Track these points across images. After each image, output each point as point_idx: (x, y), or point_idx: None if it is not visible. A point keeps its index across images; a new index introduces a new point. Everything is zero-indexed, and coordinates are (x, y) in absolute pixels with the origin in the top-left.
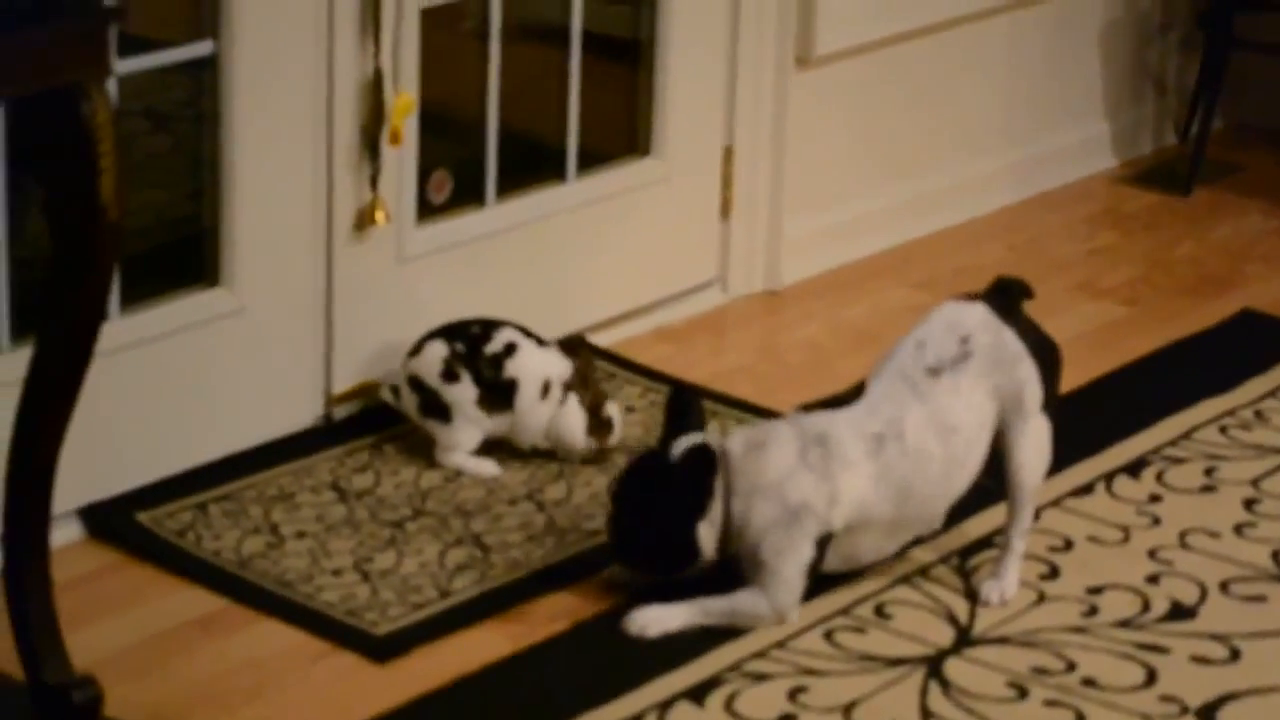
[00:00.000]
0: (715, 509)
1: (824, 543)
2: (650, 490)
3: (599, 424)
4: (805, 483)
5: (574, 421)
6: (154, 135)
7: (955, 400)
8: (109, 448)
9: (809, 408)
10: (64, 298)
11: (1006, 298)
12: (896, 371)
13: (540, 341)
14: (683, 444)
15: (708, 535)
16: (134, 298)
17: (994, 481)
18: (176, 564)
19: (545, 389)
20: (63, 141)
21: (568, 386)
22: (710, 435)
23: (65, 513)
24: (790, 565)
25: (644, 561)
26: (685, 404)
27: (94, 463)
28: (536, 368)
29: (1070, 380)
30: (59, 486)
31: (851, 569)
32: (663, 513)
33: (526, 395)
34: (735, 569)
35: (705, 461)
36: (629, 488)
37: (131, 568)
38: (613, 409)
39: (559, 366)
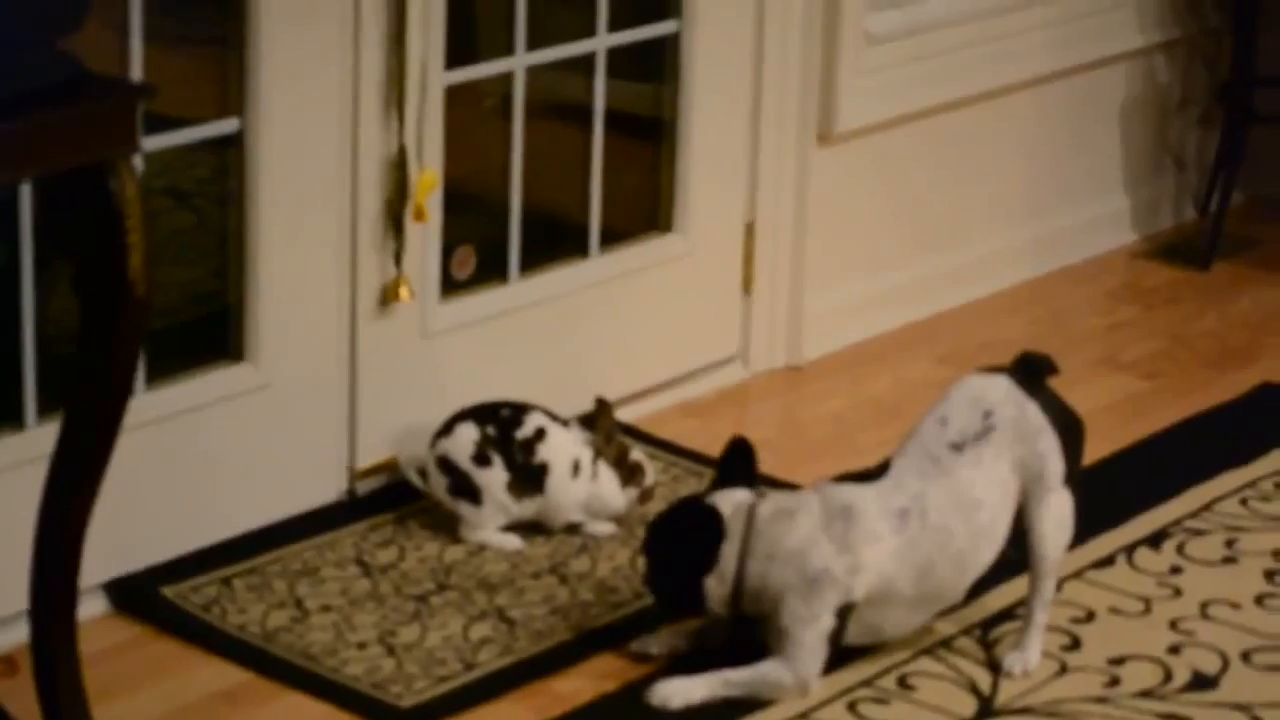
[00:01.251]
0: (727, 566)
1: (845, 613)
2: (665, 538)
3: (630, 473)
4: (826, 552)
5: (609, 486)
6: (176, 212)
7: (978, 475)
8: (134, 522)
9: (839, 480)
10: (92, 372)
11: (1030, 372)
12: (920, 447)
13: (564, 422)
14: (717, 497)
15: (715, 590)
16: (159, 373)
17: (1016, 553)
18: (202, 638)
19: (576, 468)
20: (91, 218)
21: (595, 457)
22: (747, 494)
23: (91, 587)
24: (810, 633)
25: (659, 601)
26: (738, 456)
27: (119, 537)
28: (566, 449)
29: (1092, 453)
30: (85, 560)
31: (876, 642)
32: (672, 562)
33: (558, 478)
34: (757, 636)
35: (710, 522)
36: (653, 531)
37: (157, 642)
38: (638, 454)
39: (584, 443)
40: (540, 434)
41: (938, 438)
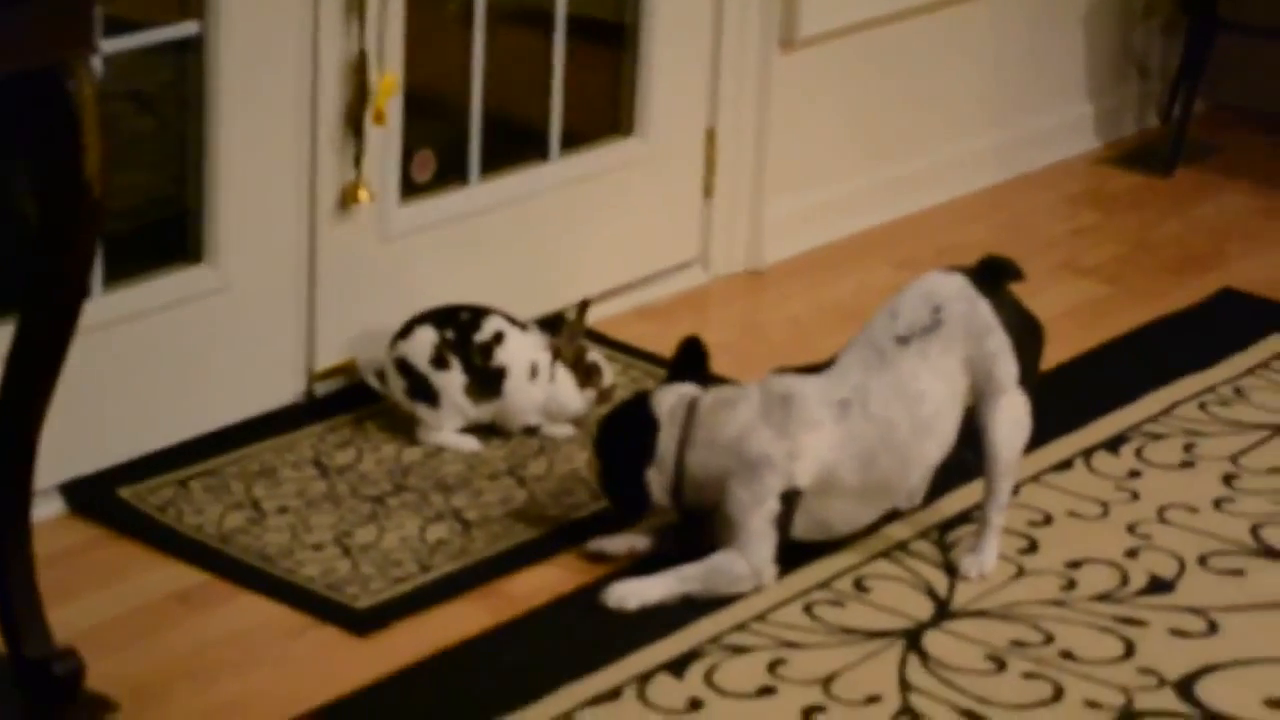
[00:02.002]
0: (666, 456)
1: (790, 500)
2: (607, 434)
3: (587, 374)
4: (765, 437)
5: (567, 388)
6: (139, 117)
7: (923, 368)
8: (91, 424)
9: (783, 371)
10: (47, 274)
11: (991, 273)
12: (868, 340)
13: (523, 326)
14: (659, 391)
15: (656, 481)
16: (118, 277)
17: (972, 456)
18: (158, 539)
19: (534, 371)
20: (47, 119)
21: (554, 360)
22: (693, 388)
23: (47, 488)
24: (756, 518)
25: (609, 499)
26: (690, 355)
27: (76, 438)
28: (524, 353)
29: (1052, 357)
30: (41, 462)
31: (827, 538)
32: (614, 456)
33: (516, 381)
34: (707, 534)
35: (644, 410)
36: (601, 430)
37: (113, 543)
38: (596, 355)
39: (542, 347)
40: (498, 337)
41: (885, 330)
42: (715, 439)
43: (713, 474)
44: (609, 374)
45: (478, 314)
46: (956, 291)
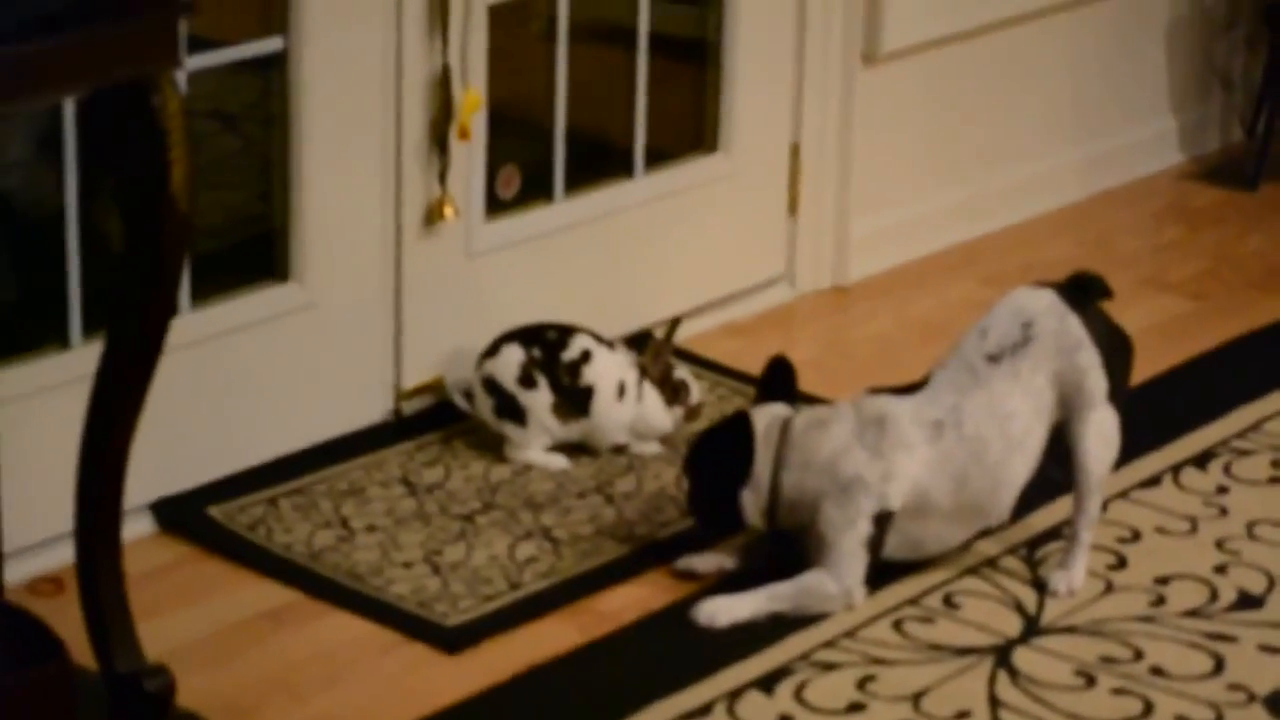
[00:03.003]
0: (761, 477)
1: (882, 521)
2: (701, 454)
3: (674, 392)
4: (859, 459)
5: (654, 407)
6: (223, 136)
7: (1014, 386)
8: (181, 442)
9: (876, 391)
10: (135, 290)
11: (1081, 290)
12: (959, 359)
13: (610, 344)
14: (754, 411)
15: (751, 502)
16: (206, 295)
17: (1061, 473)
18: (248, 557)
19: (621, 390)
20: (134, 134)
21: (640, 378)
22: (785, 408)
23: (138, 507)
24: (848, 540)
25: (700, 519)
26: (778, 374)
27: (166, 457)
28: (612, 372)
29: (1138, 374)
30: (131, 480)
31: (918, 558)
32: (708, 476)
33: (604, 400)
34: (799, 552)
35: (743, 430)
36: (694, 449)
37: (203, 561)
38: (683, 373)
39: (629, 365)
40: (586, 356)
41: (977, 349)
42: (809, 460)
43: (807, 495)
44: (696, 392)
45: (565, 332)
46: (1046, 307)
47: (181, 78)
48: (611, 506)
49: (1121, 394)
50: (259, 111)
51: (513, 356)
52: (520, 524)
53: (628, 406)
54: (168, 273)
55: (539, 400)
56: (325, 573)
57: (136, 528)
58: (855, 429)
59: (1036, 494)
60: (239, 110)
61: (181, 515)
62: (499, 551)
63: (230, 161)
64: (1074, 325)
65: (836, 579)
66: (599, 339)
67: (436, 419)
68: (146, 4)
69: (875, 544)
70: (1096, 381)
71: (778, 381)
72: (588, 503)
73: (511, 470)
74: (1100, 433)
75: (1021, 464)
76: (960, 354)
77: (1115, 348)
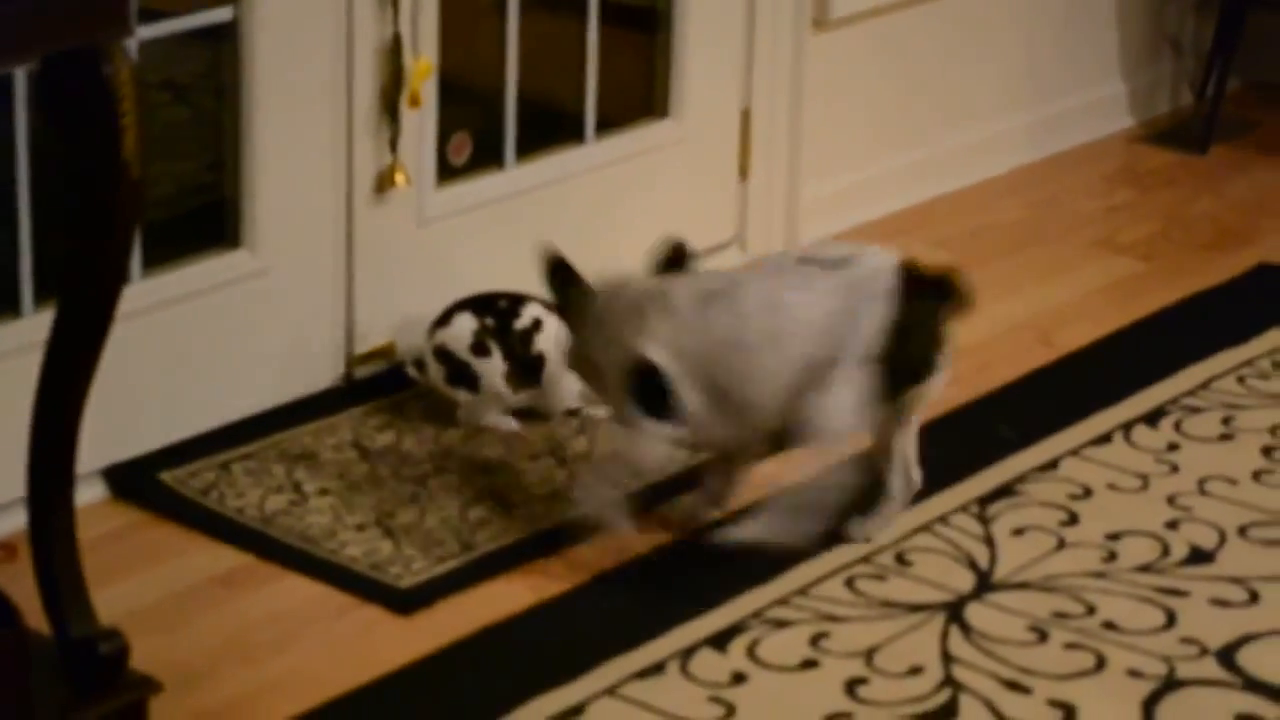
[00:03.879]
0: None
1: (643, 373)
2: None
3: None
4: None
5: None
6: (174, 106)
7: (802, 291)
8: (133, 408)
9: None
10: (86, 258)
11: (931, 286)
12: (782, 255)
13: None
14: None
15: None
16: (157, 261)
17: (1009, 431)
18: (200, 522)
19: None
20: (85, 102)
21: None
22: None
23: (90, 472)
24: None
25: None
26: (561, 269)
27: (118, 423)
28: (561, 339)
29: (1089, 334)
30: (84, 447)
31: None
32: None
33: (555, 367)
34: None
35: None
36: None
37: (156, 526)
38: None
39: None
40: (537, 325)
41: (797, 252)
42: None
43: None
44: None
45: (516, 301)
46: (880, 261)
47: (133, 47)
48: (563, 469)
49: (877, 361)
50: (210, 81)
51: (465, 325)
52: (472, 486)
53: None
54: (119, 240)
55: (492, 368)
56: (278, 536)
57: (89, 493)
58: (637, 302)
59: (992, 451)
60: (190, 81)
61: (134, 481)
62: (451, 514)
63: (181, 131)
64: (883, 284)
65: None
66: (549, 306)
67: (388, 384)
68: None
69: (641, 396)
70: (859, 339)
71: (564, 274)
72: (540, 465)
73: (463, 434)
74: (835, 391)
75: (775, 363)
76: (786, 253)
77: (906, 329)
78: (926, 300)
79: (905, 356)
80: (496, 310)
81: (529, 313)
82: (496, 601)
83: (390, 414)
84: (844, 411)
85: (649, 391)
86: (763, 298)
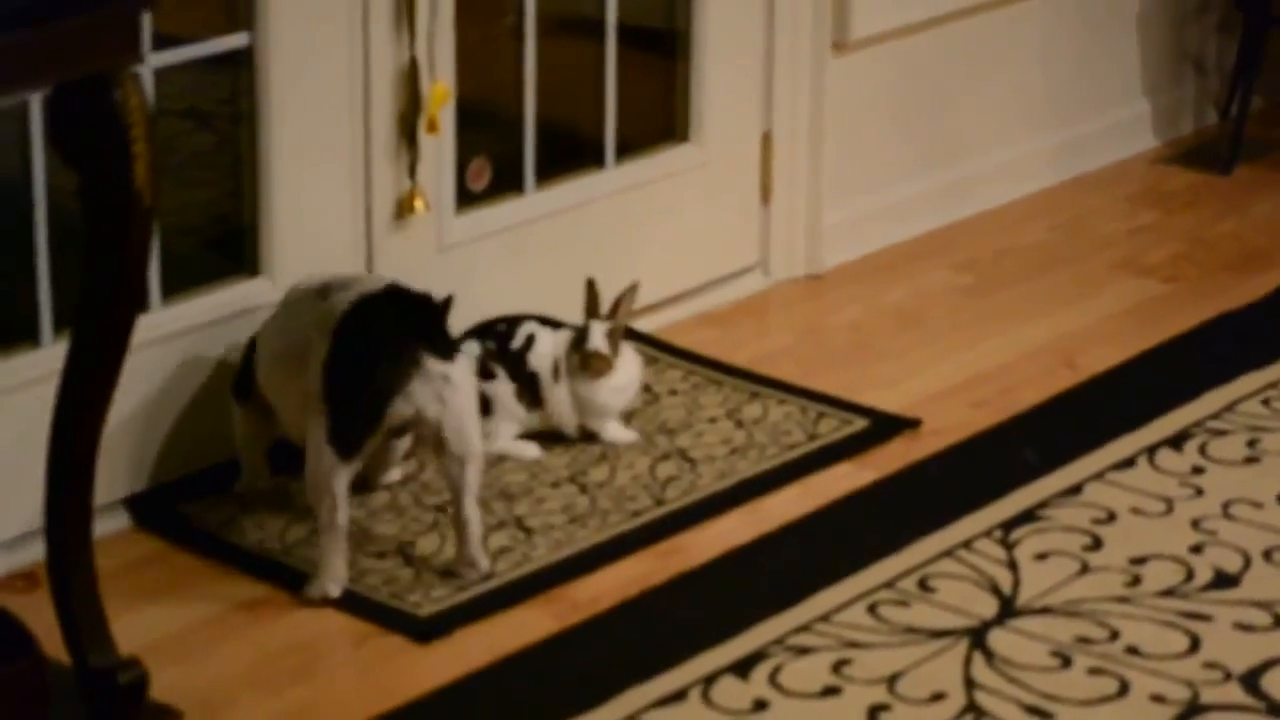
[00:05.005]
0: None
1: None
2: None
3: (583, 361)
4: None
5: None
6: (197, 134)
7: (288, 316)
8: (155, 438)
9: None
10: (100, 286)
11: (412, 315)
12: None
13: (556, 325)
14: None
15: None
16: (178, 291)
17: (1033, 455)
18: (221, 552)
19: (555, 371)
20: (96, 129)
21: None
22: None
23: (111, 502)
24: None
25: None
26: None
27: (140, 452)
28: (547, 354)
29: (1113, 357)
30: (105, 476)
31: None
32: None
33: (546, 383)
34: None
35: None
36: None
37: (177, 556)
38: (595, 337)
39: (563, 344)
40: (529, 342)
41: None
42: None
43: None
44: (624, 361)
45: (512, 323)
46: (348, 295)
47: (147, 74)
48: (585, 495)
49: (332, 411)
50: (231, 109)
51: (469, 352)
52: (493, 514)
53: (563, 385)
54: (132, 267)
55: (501, 390)
56: (298, 566)
57: (111, 523)
58: None
59: (1017, 474)
60: (213, 108)
61: (155, 511)
62: None
63: (204, 159)
64: (333, 320)
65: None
66: (545, 321)
67: None
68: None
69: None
70: (311, 378)
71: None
72: (561, 492)
73: (485, 462)
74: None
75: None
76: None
77: (352, 368)
78: (391, 338)
79: (350, 398)
80: (495, 333)
81: (522, 332)
82: (517, 630)
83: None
84: (311, 453)
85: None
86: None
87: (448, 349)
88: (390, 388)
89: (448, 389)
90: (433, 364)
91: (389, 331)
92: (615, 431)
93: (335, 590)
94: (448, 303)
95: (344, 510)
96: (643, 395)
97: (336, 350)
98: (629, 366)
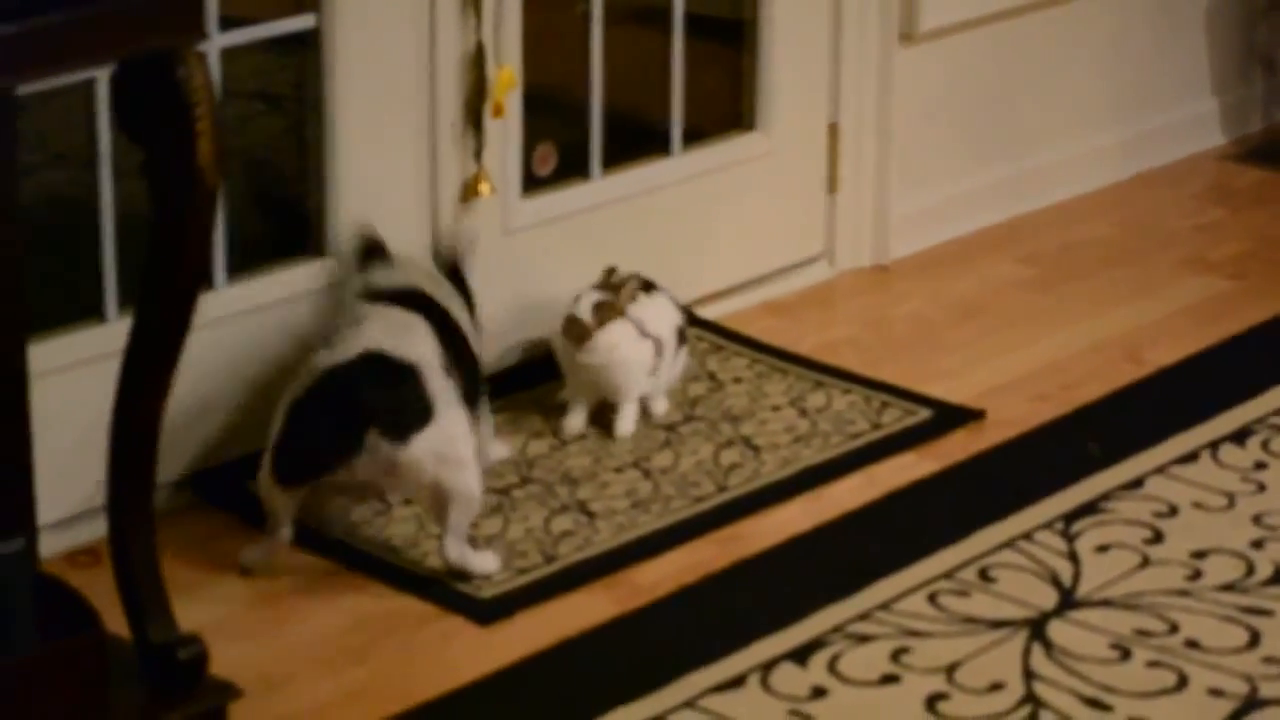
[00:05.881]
0: None
1: None
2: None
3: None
4: None
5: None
6: (269, 116)
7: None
8: (220, 415)
9: None
10: (164, 264)
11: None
12: None
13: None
14: None
15: None
16: (243, 270)
17: (1096, 448)
18: None
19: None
20: (160, 107)
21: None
22: None
23: (176, 478)
24: None
25: None
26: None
27: (205, 429)
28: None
29: (1177, 352)
30: (170, 453)
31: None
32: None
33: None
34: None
35: None
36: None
37: (241, 533)
38: (582, 304)
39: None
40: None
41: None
42: None
43: None
44: (610, 338)
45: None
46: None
47: (214, 55)
48: (648, 480)
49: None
50: (300, 93)
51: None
52: (556, 498)
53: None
54: (195, 245)
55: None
56: (361, 545)
57: (174, 501)
58: None
59: (1075, 467)
60: (284, 91)
61: (220, 488)
62: (535, 525)
63: (274, 142)
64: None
65: None
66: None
67: None
68: None
69: None
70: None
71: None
72: (624, 477)
73: (549, 445)
74: None
75: None
76: None
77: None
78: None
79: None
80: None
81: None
82: (578, 613)
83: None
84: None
85: None
86: None
87: (408, 425)
88: (330, 463)
89: (397, 469)
90: (383, 445)
91: (342, 411)
92: (622, 424)
93: (251, 558)
94: (413, 370)
95: (285, 527)
96: (707, 382)
97: (289, 424)
98: (620, 346)
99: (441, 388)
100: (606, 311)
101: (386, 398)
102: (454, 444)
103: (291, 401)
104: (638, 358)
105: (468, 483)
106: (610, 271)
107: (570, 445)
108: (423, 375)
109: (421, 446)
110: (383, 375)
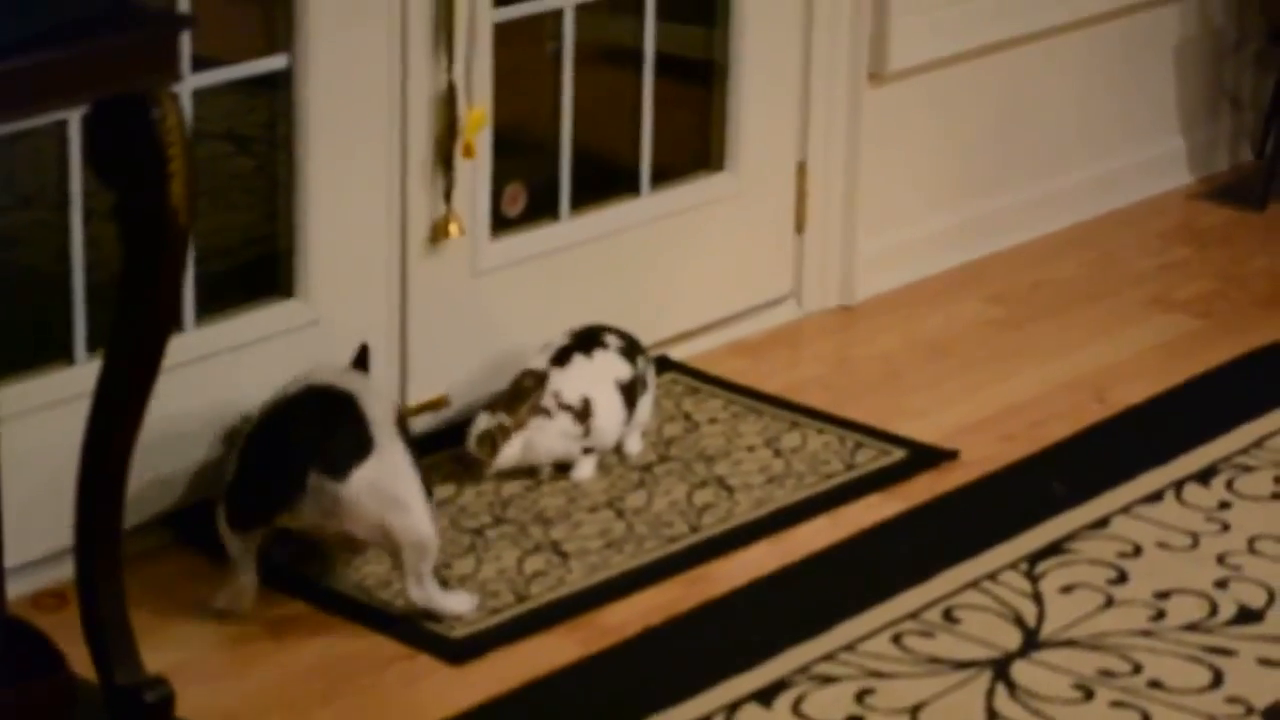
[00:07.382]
0: None
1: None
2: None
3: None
4: None
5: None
6: (236, 158)
7: None
8: (190, 456)
9: None
10: (134, 305)
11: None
12: None
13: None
14: None
15: None
16: (212, 312)
17: (1061, 489)
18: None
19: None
20: (133, 147)
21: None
22: None
23: (146, 519)
24: None
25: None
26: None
27: (176, 470)
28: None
29: (1143, 391)
30: (139, 494)
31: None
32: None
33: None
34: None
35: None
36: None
37: (210, 574)
38: (472, 432)
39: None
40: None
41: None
42: None
43: None
44: (518, 444)
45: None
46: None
47: (186, 95)
48: (621, 521)
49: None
50: (270, 133)
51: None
52: (530, 538)
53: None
54: (167, 287)
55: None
56: (333, 586)
57: (143, 542)
58: None
59: (1040, 507)
60: (255, 132)
61: (190, 529)
62: (507, 565)
63: (242, 182)
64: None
65: None
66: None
67: (445, 436)
68: (147, 17)
69: None
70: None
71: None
72: (598, 517)
73: (523, 485)
74: None
75: None
76: None
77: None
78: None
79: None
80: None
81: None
82: (546, 654)
83: (450, 466)
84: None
85: None
86: None
87: (348, 461)
88: (275, 506)
89: (340, 506)
90: (324, 484)
91: (283, 448)
92: (577, 473)
93: (222, 602)
94: (352, 400)
95: (248, 572)
96: (682, 423)
97: (238, 469)
98: (528, 445)
99: (382, 418)
100: (498, 436)
101: (324, 432)
102: (396, 480)
103: (240, 445)
104: (551, 442)
105: (414, 526)
106: (529, 374)
107: (544, 485)
108: (360, 403)
109: (361, 482)
110: (321, 408)
